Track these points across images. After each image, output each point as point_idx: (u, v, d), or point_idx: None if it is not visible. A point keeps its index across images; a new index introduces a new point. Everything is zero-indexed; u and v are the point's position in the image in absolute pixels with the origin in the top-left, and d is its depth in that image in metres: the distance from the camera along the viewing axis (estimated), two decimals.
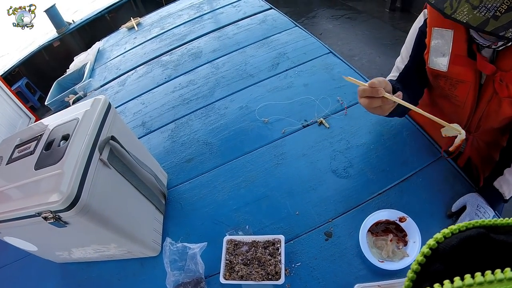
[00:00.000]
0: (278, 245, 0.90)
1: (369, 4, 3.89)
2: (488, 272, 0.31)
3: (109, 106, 0.87)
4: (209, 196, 1.05)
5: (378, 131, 1.16)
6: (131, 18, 2.45)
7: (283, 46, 1.56)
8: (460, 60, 0.90)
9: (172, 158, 1.19)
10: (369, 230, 0.95)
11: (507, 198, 1.00)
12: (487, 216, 0.97)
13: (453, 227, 0.42)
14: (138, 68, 1.74)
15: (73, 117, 0.82)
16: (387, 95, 0.77)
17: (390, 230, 0.96)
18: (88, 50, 2.28)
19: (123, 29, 2.39)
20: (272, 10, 1.86)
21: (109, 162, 0.80)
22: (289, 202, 1.01)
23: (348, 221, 0.97)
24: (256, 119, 1.22)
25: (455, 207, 1.00)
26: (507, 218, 0.42)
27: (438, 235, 0.42)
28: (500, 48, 0.82)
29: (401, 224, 0.96)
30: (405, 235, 0.95)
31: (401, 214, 0.96)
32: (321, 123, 1.18)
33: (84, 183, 0.71)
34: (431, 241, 0.42)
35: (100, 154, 0.78)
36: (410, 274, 0.40)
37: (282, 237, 0.91)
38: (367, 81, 0.78)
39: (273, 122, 1.21)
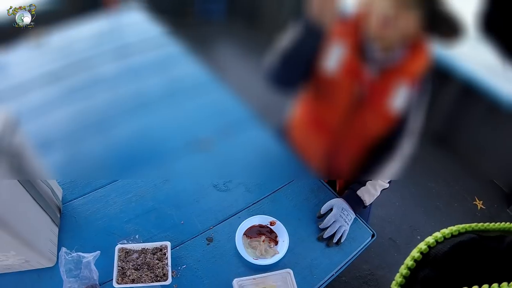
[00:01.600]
0: (165, 251, 1.05)
1: None
2: (486, 286, 0.32)
3: (11, 123, 0.95)
4: (102, 210, 1.16)
5: (256, 154, 1.38)
6: None
7: None
8: None
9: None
10: (244, 234, 1.14)
11: (367, 205, 1.26)
12: (349, 218, 1.22)
13: (445, 231, 0.43)
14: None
15: None
16: None
17: (263, 233, 1.17)
18: None
19: None
20: None
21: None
22: (175, 213, 1.17)
23: (227, 227, 1.15)
24: (147, 143, 1.36)
25: (323, 210, 1.24)
26: (498, 223, 0.44)
27: (430, 240, 0.43)
28: None
29: (272, 227, 1.17)
30: (276, 236, 1.16)
31: (271, 218, 1.17)
32: (205, 145, 1.35)
33: None
34: (422, 245, 0.43)
35: None
36: (398, 278, 0.41)
37: (168, 243, 1.06)
38: None
39: (161, 143, 1.35)
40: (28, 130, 1.25)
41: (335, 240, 1.18)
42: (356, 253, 1.20)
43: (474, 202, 2.82)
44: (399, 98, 1.05)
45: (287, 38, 1.04)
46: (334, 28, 1.01)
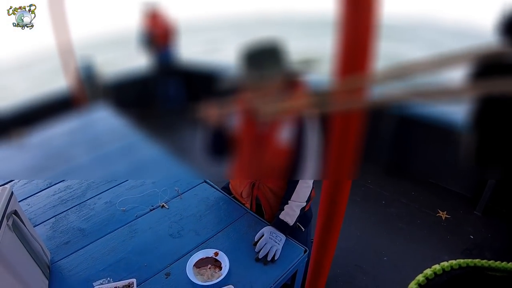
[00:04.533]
0: (132, 286, 1.41)
1: None
2: None
3: (12, 193, 1.31)
4: (81, 265, 1.49)
5: (203, 206, 1.81)
6: None
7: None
8: None
9: (53, 242, 1.61)
10: (195, 265, 1.50)
11: (291, 225, 1.62)
12: (279, 239, 1.57)
13: (444, 264, 0.44)
14: None
15: None
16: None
17: (209, 262, 1.52)
18: None
19: None
20: None
21: (13, 229, 1.24)
22: (140, 259, 1.51)
23: (181, 263, 1.50)
24: (116, 209, 1.77)
25: (257, 237, 1.60)
26: (505, 262, 0.44)
27: (428, 272, 0.44)
28: None
29: (216, 257, 1.53)
30: (220, 263, 1.51)
31: (215, 250, 1.53)
32: (163, 206, 1.79)
33: None
34: (420, 277, 0.44)
35: (7, 221, 1.22)
36: None
37: (134, 280, 1.42)
38: None
39: (129, 210, 1.76)
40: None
41: (269, 258, 1.52)
42: (291, 267, 1.53)
43: (438, 214, 3.05)
44: (286, 133, 1.43)
45: (207, 132, 1.51)
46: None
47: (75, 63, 2.30)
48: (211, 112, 1.42)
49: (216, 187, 1.94)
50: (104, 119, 2.30)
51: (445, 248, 2.77)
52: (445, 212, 3.08)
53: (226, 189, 1.96)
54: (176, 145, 2.10)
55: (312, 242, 2.22)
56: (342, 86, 0.54)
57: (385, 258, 2.69)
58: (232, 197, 1.89)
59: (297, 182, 1.65)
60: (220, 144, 1.54)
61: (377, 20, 0.48)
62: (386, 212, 3.11)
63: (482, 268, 0.44)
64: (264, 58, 1.27)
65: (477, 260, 0.44)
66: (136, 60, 2.64)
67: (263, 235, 1.59)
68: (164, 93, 2.81)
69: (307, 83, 1.38)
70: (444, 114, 3.04)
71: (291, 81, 1.37)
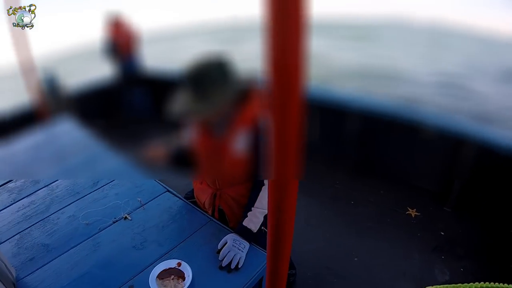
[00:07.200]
0: None
1: None
2: None
3: None
4: (47, 280, 1.52)
5: (166, 216, 1.86)
6: None
7: None
8: None
9: (19, 259, 1.62)
10: (158, 277, 1.55)
11: (255, 232, 1.65)
12: (242, 246, 1.60)
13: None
14: None
15: None
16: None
17: (172, 273, 1.58)
18: None
19: None
20: None
21: None
22: (104, 272, 1.55)
23: (145, 275, 1.53)
24: (80, 223, 1.81)
25: (220, 245, 1.64)
26: (471, 283, 0.46)
27: None
28: None
29: (179, 268, 1.58)
30: (183, 273, 1.57)
31: (177, 260, 1.58)
32: (125, 217, 1.83)
33: None
34: None
35: None
36: None
37: None
38: None
39: (92, 223, 1.79)
40: None
41: (233, 266, 1.56)
42: (256, 274, 1.58)
43: (407, 212, 3.14)
44: (242, 142, 1.49)
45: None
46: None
47: (37, 76, 2.31)
48: (156, 153, 1.53)
49: (179, 195, 1.99)
50: (68, 131, 2.33)
51: (416, 246, 2.86)
52: (415, 209, 3.16)
53: (190, 194, 2.02)
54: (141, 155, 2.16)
55: None
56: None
57: (355, 259, 2.74)
58: (194, 202, 1.95)
59: (260, 189, 1.69)
60: (181, 161, 1.62)
61: (306, 21, 0.49)
62: (355, 212, 3.17)
63: None
64: (210, 83, 1.30)
65: (443, 285, 0.46)
66: (100, 70, 2.67)
67: (226, 243, 1.63)
68: (129, 102, 2.85)
69: (260, 88, 1.43)
70: (410, 111, 3.14)
71: (243, 93, 1.44)
